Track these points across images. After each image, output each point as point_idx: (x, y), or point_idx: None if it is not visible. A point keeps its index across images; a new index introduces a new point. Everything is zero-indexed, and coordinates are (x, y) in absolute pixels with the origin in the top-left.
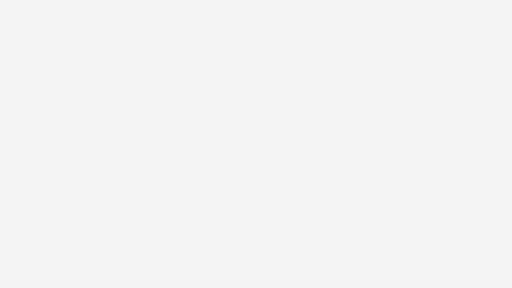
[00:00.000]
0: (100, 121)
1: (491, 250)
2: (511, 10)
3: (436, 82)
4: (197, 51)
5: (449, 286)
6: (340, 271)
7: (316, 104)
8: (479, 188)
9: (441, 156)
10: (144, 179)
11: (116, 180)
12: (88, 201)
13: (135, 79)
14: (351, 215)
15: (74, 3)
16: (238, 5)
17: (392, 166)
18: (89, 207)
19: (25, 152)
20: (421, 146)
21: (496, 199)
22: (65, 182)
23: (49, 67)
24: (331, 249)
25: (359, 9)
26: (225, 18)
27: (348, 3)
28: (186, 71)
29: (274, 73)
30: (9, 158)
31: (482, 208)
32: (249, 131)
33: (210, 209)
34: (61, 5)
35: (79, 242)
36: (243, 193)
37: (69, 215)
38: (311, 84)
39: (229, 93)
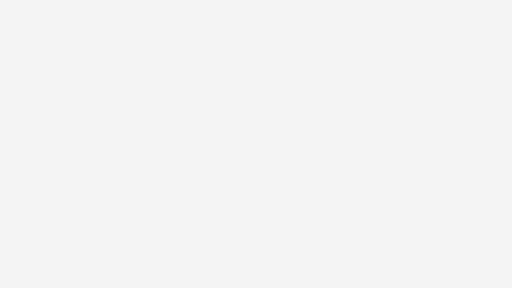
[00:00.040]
0: (100, 121)
1: (491, 250)
2: (511, 10)
3: (436, 82)
4: (197, 51)
5: (449, 286)
6: (340, 271)
7: (316, 104)
8: (479, 188)
9: (441, 156)
10: (144, 179)
11: (116, 180)
12: (88, 201)
13: (135, 79)
14: (351, 215)
15: (74, 3)
16: (238, 5)
17: (392, 166)
18: (89, 207)
19: (25, 152)
20: (421, 146)
21: (496, 199)
22: (65, 182)
23: (49, 67)
24: (331, 249)
25: (359, 9)
26: (225, 18)
27: (348, 3)
28: (186, 71)
29: (274, 73)
30: (9, 158)
31: (482, 208)
32: (249, 131)
33: (210, 209)
34: (61, 5)
35: (79, 242)
36: (243, 193)
37: (69, 215)
38: (311, 84)
39: (229, 93)
